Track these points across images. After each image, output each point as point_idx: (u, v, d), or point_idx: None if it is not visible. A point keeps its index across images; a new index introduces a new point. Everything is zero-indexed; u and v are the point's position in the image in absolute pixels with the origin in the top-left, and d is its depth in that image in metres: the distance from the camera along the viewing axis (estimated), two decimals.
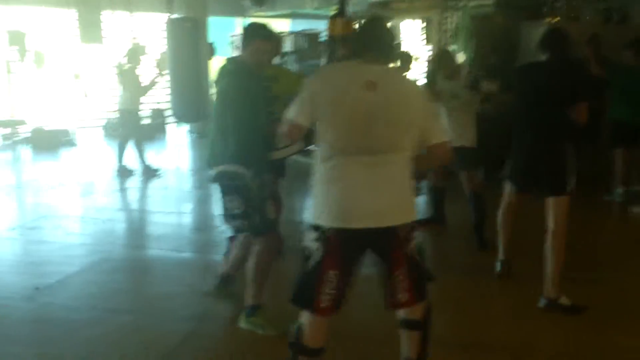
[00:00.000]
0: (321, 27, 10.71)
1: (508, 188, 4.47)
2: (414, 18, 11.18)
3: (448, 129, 5.09)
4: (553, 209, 4.08)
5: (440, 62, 5.58)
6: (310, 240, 2.66)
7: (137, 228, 6.47)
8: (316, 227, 2.64)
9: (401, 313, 2.85)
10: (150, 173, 8.56)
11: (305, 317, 2.75)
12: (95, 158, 10.35)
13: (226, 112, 3.50)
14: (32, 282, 4.54)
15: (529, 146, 4.16)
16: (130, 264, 5.10)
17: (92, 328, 3.83)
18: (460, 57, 8.34)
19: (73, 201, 7.35)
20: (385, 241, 2.68)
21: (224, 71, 3.66)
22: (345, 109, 2.60)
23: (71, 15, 11.04)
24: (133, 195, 7.82)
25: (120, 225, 6.39)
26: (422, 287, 2.79)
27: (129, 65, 8.65)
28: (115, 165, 8.66)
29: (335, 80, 2.69)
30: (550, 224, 4.08)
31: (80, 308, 4.16)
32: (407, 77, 2.86)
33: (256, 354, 3.52)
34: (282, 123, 2.72)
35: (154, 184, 8.21)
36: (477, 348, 3.60)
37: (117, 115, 9.25)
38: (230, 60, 3.75)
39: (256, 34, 3.60)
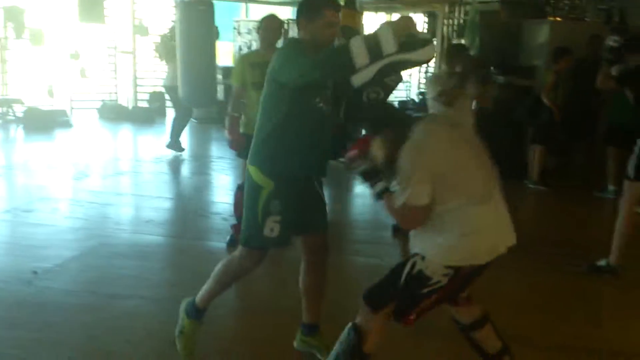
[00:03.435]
0: None
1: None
2: (416, 12, 11.16)
3: None
4: None
5: (451, 56, 5.38)
6: (438, 273, 2.63)
7: (135, 213, 6.42)
8: (451, 267, 2.63)
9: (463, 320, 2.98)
10: (177, 148, 8.72)
11: (370, 323, 2.73)
12: (91, 140, 10.27)
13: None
14: (30, 265, 4.47)
15: None
16: (130, 249, 5.05)
17: (93, 313, 3.79)
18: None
19: (69, 184, 7.28)
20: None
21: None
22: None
23: None
24: (131, 180, 7.76)
25: (118, 210, 6.34)
26: None
27: (173, 42, 8.57)
28: (168, 140, 8.83)
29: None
30: None
31: (80, 293, 4.12)
32: None
33: (262, 339, 3.51)
34: (398, 209, 2.61)
35: (152, 168, 8.16)
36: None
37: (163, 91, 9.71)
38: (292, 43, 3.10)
39: (324, 3, 2.92)
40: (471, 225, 2.61)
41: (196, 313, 3.27)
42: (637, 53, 4.83)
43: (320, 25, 2.87)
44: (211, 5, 8.08)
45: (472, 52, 7.80)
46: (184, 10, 7.99)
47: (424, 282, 2.64)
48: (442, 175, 2.54)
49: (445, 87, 4.86)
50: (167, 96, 10.18)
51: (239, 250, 3.17)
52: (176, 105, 9.00)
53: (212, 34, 8.29)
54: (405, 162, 2.57)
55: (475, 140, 2.76)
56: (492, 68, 7.67)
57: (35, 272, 4.35)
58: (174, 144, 8.79)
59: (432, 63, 9.18)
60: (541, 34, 8.14)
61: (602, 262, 4.76)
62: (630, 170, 4.66)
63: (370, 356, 2.75)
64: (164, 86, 9.39)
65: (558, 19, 8.42)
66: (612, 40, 5.26)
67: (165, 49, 9.02)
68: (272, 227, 3.00)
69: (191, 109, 9.22)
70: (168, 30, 9.13)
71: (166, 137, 8.97)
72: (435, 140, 2.65)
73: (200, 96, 8.25)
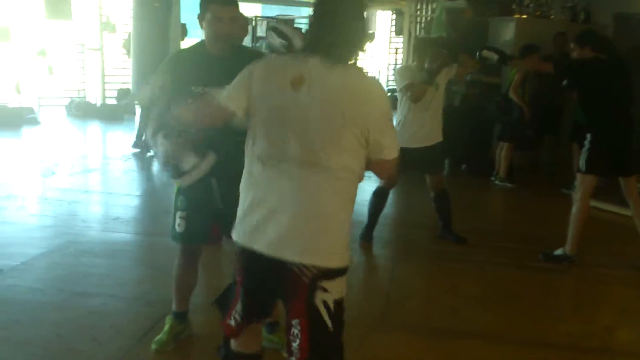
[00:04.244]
0: (295, 12, 10.66)
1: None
2: (384, 9, 11.22)
3: (414, 132, 4.91)
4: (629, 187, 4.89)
5: (420, 51, 5.22)
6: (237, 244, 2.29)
7: (103, 211, 6.37)
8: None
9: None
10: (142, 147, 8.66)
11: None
12: (59, 137, 10.15)
13: None
14: None
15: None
16: (98, 246, 5.02)
17: (60, 311, 3.77)
18: None
19: (36, 181, 7.20)
20: (284, 278, 2.16)
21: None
22: (269, 107, 2.17)
23: None
24: (99, 177, 7.69)
25: (86, 208, 6.29)
26: (324, 355, 2.20)
27: None
28: (134, 140, 8.76)
29: (272, 73, 2.20)
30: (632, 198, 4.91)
31: (47, 291, 4.08)
32: (359, 73, 2.24)
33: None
34: (201, 102, 2.40)
35: (120, 166, 8.10)
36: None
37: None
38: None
39: None
40: (246, 180, 2.26)
41: (176, 314, 3.39)
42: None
43: (208, 21, 2.95)
44: (168, 2, 7.99)
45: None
46: (139, 7, 7.89)
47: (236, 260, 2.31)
48: (251, 86, 2.23)
49: (414, 81, 4.90)
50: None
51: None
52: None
53: (166, 30, 8.19)
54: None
55: None
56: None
57: (1, 270, 4.31)
58: (140, 143, 8.74)
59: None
60: (507, 31, 8.26)
61: (558, 252, 4.91)
62: (582, 163, 4.80)
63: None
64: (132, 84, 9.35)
65: (524, 16, 8.55)
66: None
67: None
68: (179, 223, 3.15)
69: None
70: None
71: (134, 134, 8.91)
72: (266, 59, 2.39)
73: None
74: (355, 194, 2.24)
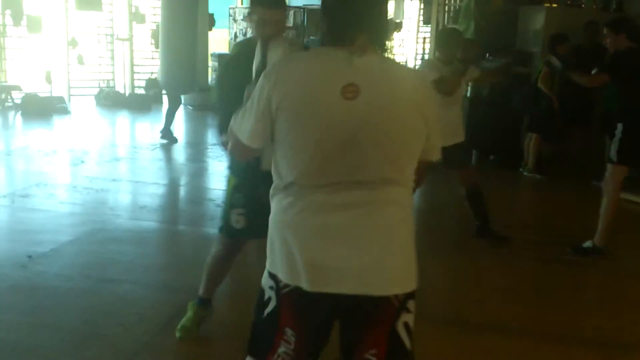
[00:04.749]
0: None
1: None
2: None
3: (443, 129, 4.81)
4: None
5: (446, 42, 4.97)
6: (266, 285, 2.00)
7: (131, 199, 6.44)
8: (272, 275, 1.97)
9: None
10: (170, 138, 8.76)
11: None
12: (88, 126, 10.28)
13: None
14: (25, 250, 4.49)
15: None
16: (125, 234, 5.08)
17: (87, 297, 3.83)
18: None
19: (66, 170, 7.30)
20: (364, 312, 1.91)
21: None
22: (315, 124, 1.84)
23: None
24: (127, 166, 7.77)
25: (114, 196, 6.36)
26: None
27: None
28: (162, 129, 8.86)
29: (303, 80, 1.86)
30: None
31: (74, 277, 4.15)
32: (410, 69, 2.03)
33: None
34: (231, 138, 2.04)
35: (148, 155, 8.18)
36: None
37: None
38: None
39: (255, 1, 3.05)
40: (287, 215, 1.93)
41: (201, 301, 3.41)
42: None
43: (255, 23, 2.97)
44: None
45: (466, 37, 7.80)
46: None
47: (261, 299, 2.01)
48: (270, 109, 1.92)
49: (444, 74, 4.79)
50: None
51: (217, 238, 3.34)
52: (170, 97, 9.07)
53: (195, 20, 8.25)
54: None
55: None
56: (487, 55, 7.67)
57: (29, 257, 4.38)
58: (167, 133, 8.82)
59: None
60: (537, 20, 8.13)
61: (587, 244, 4.83)
62: (613, 154, 4.72)
63: None
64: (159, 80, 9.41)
65: (554, 5, 8.40)
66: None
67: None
68: (237, 219, 3.15)
69: (179, 97, 9.23)
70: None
71: (162, 125, 8.99)
72: (281, 68, 2.06)
73: (179, 82, 8.26)
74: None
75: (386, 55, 1.94)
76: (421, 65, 4.87)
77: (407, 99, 1.87)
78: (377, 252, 1.86)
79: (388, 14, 1.99)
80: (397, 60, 2.45)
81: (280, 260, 1.91)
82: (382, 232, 1.88)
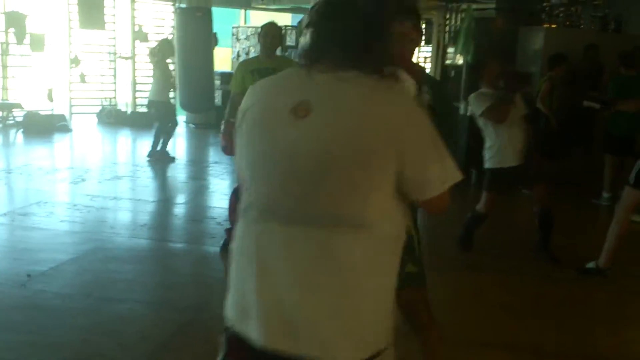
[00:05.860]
0: None
1: None
2: None
3: (511, 151, 4.90)
4: None
5: (482, 69, 5.20)
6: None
7: (131, 217, 6.44)
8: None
9: None
10: (166, 159, 8.72)
11: None
12: (89, 144, 10.31)
13: None
14: (24, 269, 4.48)
15: None
16: (125, 253, 5.08)
17: (87, 317, 3.81)
18: (459, 59, 8.39)
19: (66, 188, 7.31)
20: None
21: None
22: (260, 139, 1.64)
23: None
24: (128, 184, 7.79)
25: (114, 214, 6.37)
26: None
27: (159, 56, 8.59)
28: (149, 150, 8.81)
29: (265, 94, 1.71)
30: None
31: (74, 296, 4.14)
32: (392, 94, 1.60)
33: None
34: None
35: (149, 173, 8.20)
36: None
37: (147, 105, 9.65)
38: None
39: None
40: (237, 243, 1.71)
41: None
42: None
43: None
44: (209, 12, 8.17)
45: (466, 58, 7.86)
46: (182, 17, 8.08)
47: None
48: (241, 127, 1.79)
49: (492, 103, 4.89)
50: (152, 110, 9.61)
51: None
52: (161, 118, 8.91)
53: (209, 40, 8.36)
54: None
55: None
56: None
57: (29, 276, 4.37)
58: (155, 153, 8.73)
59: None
60: (536, 40, 8.19)
61: (590, 265, 4.81)
62: (632, 176, 4.62)
63: None
64: (149, 100, 9.17)
65: (553, 26, 8.47)
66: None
67: (159, 53, 8.94)
68: None
69: (176, 122, 9.15)
70: (160, 40, 9.17)
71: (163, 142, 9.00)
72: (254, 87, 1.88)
73: (198, 102, 8.32)
74: (396, 260, 1.65)
75: (372, 77, 1.55)
76: (470, 99, 5.04)
77: (371, 125, 1.52)
78: (316, 303, 1.54)
79: (383, 34, 1.63)
80: (388, 83, 1.91)
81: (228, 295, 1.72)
82: (327, 278, 1.54)
